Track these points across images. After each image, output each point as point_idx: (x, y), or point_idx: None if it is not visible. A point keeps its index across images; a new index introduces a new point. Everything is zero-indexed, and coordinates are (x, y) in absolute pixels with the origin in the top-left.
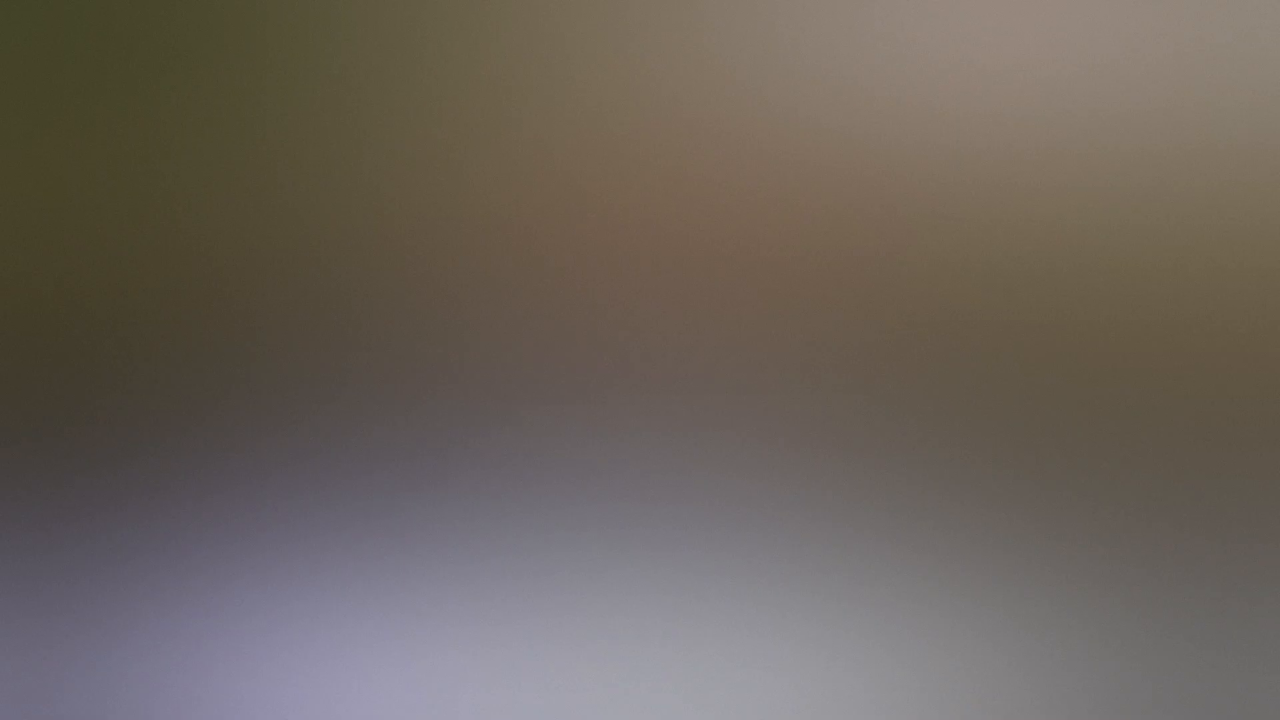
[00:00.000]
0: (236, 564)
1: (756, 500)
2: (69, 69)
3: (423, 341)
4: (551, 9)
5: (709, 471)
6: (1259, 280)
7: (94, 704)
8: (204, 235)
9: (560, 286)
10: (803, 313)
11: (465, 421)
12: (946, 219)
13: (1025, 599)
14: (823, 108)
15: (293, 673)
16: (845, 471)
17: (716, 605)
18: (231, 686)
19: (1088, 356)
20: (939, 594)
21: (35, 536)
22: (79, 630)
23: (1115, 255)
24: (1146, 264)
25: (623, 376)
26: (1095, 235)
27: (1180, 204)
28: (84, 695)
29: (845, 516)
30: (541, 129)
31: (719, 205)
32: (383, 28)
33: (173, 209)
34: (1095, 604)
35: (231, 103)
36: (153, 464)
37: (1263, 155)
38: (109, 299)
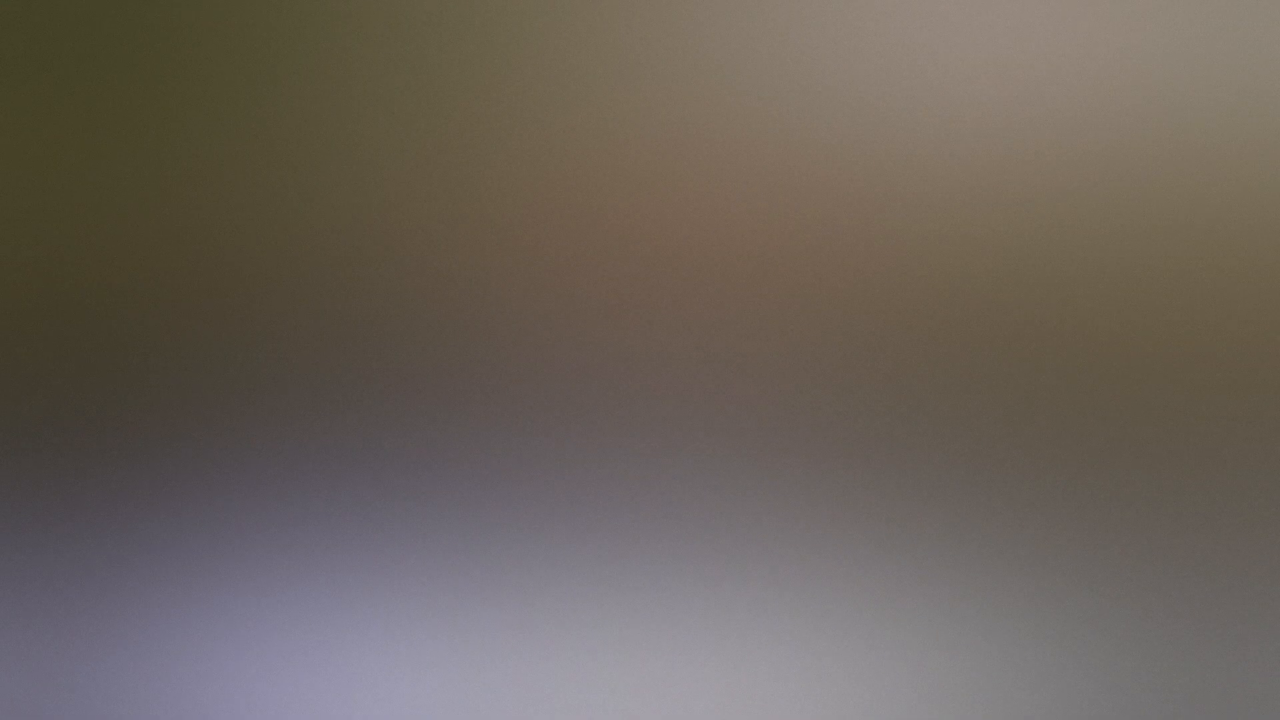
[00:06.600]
0: (239, 565)
1: (757, 504)
2: (70, 66)
3: (425, 344)
4: (555, 15)
5: (710, 475)
6: (1256, 280)
7: (96, 704)
8: (205, 235)
9: (562, 290)
10: (803, 318)
11: (467, 424)
12: (944, 223)
13: (1025, 600)
14: (826, 115)
15: (297, 675)
16: (846, 474)
17: (720, 608)
18: (233, 687)
19: (1084, 359)
20: (937, 597)
21: (37, 537)
22: (80, 630)
23: (1113, 256)
24: (1144, 265)
25: (624, 380)
26: (1094, 237)
27: (1178, 205)
28: (86, 695)
29: (845, 518)
30: (547, 134)
31: (720, 210)
32: (389, 27)
33: (175, 209)
34: (1096, 605)
35: (235, 102)
36: (155, 465)
37: (1262, 156)
38: (108, 298)
